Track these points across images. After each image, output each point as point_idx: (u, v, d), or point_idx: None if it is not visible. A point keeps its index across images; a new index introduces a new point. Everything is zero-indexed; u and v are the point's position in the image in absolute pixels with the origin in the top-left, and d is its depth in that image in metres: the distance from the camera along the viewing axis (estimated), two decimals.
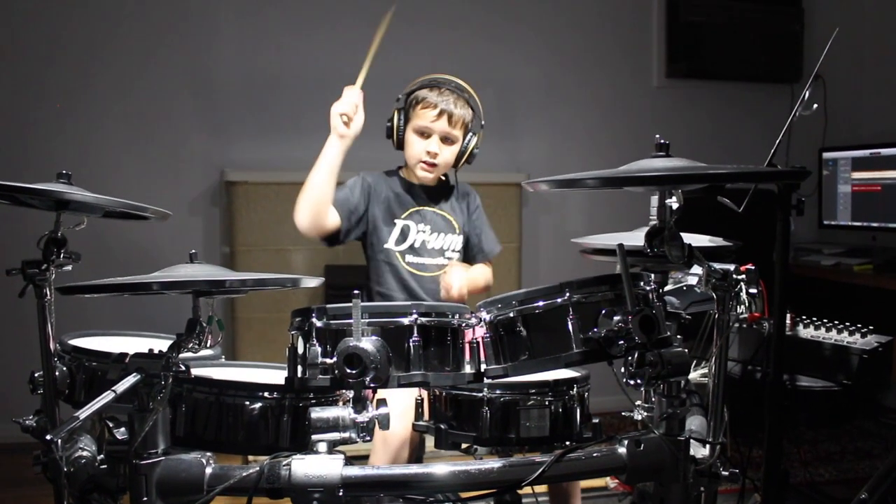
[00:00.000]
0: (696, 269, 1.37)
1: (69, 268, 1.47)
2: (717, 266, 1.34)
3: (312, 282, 1.38)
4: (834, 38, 1.65)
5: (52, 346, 1.44)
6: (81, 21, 3.07)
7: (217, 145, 3.21)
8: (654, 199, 1.37)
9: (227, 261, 3.07)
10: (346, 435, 1.23)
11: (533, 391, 1.40)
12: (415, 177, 2.09)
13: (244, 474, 1.19)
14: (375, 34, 1.92)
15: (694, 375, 1.75)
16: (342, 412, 1.23)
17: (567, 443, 1.40)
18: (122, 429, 1.35)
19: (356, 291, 1.24)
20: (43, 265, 1.42)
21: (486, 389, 1.38)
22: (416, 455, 1.80)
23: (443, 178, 2.14)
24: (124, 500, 1.28)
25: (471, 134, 2.06)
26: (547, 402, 1.40)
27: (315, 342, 1.24)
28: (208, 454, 1.23)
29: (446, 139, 2.02)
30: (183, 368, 1.23)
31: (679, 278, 1.77)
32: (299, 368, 1.26)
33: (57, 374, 1.43)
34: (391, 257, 2.04)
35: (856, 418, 3.29)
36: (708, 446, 1.32)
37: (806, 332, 2.00)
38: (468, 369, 1.33)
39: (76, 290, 1.22)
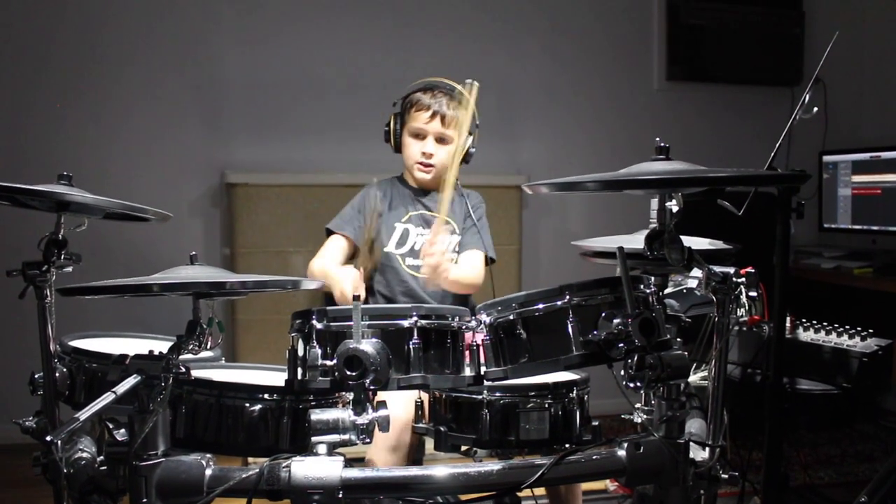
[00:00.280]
0: (696, 272, 1.36)
1: (70, 269, 1.47)
2: (717, 269, 1.34)
3: (312, 284, 1.39)
4: (834, 42, 1.66)
5: (52, 347, 1.44)
6: (81, 21, 3.07)
7: (217, 147, 3.20)
8: (654, 202, 1.37)
9: (228, 262, 3.06)
10: (346, 437, 1.23)
11: (533, 394, 1.40)
12: (414, 179, 2.11)
13: (244, 476, 1.19)
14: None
15: (694, 378, 1.75)
16: (342, 414, 1.23)
17: (567, 445, 1.39)
18: (122, 430, 1.35)
19: (356, 294, 1.24)
20: (43, 266, 1.42)
21: (485, 392, 1.38)
22: (416, 457, 1.80)
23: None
24: (124, 501, 1.28)
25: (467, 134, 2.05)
26: (547, 405, 1.40)
27: (315, 344, 1.24)
28: (208, 456, 1.23)
29: (441, 140, 2.05)
30: (183, 370, 1.24)
31: (679, 281, 1.77)
32: (299, 370, 1.26)
33: (57, 375, 1.43)
34: (392, 260, 2.05)
35: (856, 421, 3.27)
36: (708, 449, 1.31)
37: (806, 335, 2.00)
38: (468, 371, 1.33)
39: (77, 292, 1.21)
